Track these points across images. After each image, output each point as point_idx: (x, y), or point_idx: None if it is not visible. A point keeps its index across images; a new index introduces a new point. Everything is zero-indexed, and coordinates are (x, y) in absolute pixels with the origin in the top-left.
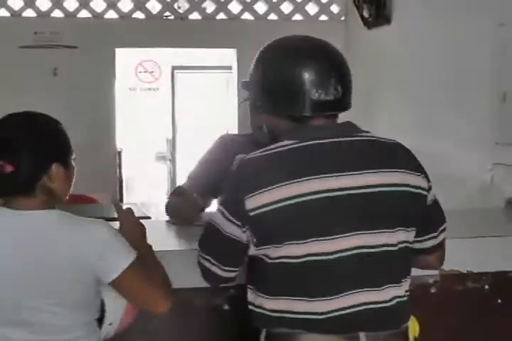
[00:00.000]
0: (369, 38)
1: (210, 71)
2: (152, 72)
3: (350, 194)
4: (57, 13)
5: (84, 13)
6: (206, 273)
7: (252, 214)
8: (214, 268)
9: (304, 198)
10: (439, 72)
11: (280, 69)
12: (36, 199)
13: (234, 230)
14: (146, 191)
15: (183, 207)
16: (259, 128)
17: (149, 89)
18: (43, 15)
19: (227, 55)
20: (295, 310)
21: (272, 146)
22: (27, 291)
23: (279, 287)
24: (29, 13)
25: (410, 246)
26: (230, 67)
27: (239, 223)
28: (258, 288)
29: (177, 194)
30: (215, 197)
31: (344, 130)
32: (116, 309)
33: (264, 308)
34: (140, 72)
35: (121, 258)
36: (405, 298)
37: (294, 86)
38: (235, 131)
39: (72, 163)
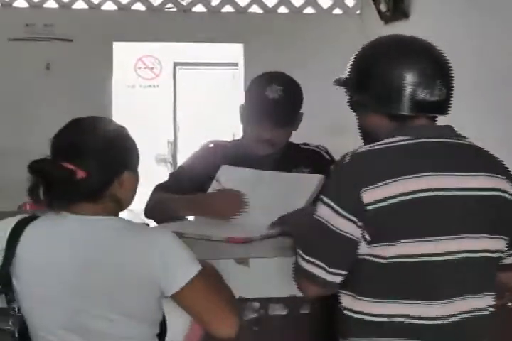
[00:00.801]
0: (386, 33)
1: (215, 68)
2: (152, 68)
3: (463, 195)
4: (50, 4)
5: (80, 4)
6: (307, 279)
7: (369, 208)
8: (319, 272)
9: (424, 194)
10: (462, 71)
11: (387, 67)
12: (102, 206)
13: (347, 226)
14: (145, 196)
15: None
16: (264, 141)
17: (149, 86)
18: (36, 6)
19: (234, 51)
20: (406, 313)
21: (384, 141)
22: (85, 298)
23: (389, 289)
24: (20, 3)
25: (502, 255)
26: (236, 64)
27: (354, 218)
28: (359, 291)
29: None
30: None
31: (447, 132)
32: (179, 327)
33: (367, 313)
34: (139, 68)
35: (186, 269)
36: (494, 308)
37: (400, 84)
38: (240, 133)
39: (138, 172)
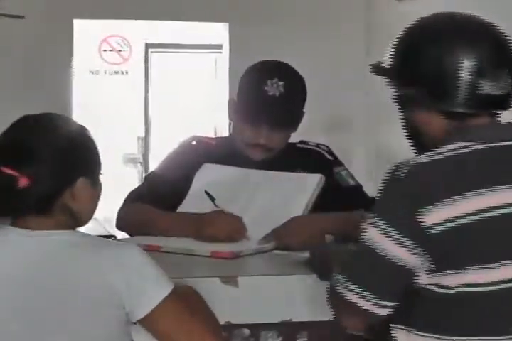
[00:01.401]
0: (397, 13)
1: (195, 51)
2: (120, 50)
3: None
4: None
5: None
6: (349, 310)
7: (431, 232)
8: (363, 303)
9: (498, 211)
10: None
11: (442, 53)
12: (52, 219)
13: (401, 253)
14: (111, 201)
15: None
16: (258, 145)
17: (116, 72)
18: None
19: (217, 31)
20: None
21: (443, 149)
22: (38, 327)
23: (458, 323)
24: None
25: None
26: (220, 46)
27: (410, 244)
28: (418, 326)
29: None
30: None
31: None
32: None
33: None
34: (105, 50)
35: (156, 290)
36: None
37: (460, 75)
38: (226, 129)
39: (100, 179)
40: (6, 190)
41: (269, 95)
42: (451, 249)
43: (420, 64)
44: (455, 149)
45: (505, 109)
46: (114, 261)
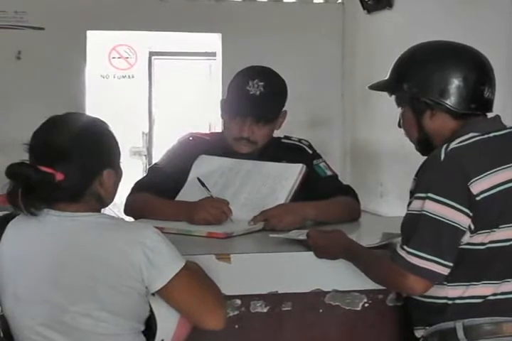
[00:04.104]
0: (368, 23)
1: (192, 58)
2: (127, 57)
3: None
4: None
5: None
6: (419, 276)
7: (478, 198)
8: (436, 267)
9: None
10: None
11: (455, 70)
12: (83, 203)
13: (461, 218)
14: (119, 190)
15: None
16: (243, 138)
17: (124, 76)
18: None
19: (211, 40)
20: (500, 291)
21: (463, 138)
22: (71, 294)
23: (483, 273)
24: None
25: None
26: (213, 54)
27: (466, 210)
28: (453, 278)
29: (145, 192)
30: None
31: (503, 124)
32: (168, 324)
33: (463, 297)
34: (114, 57)
35: (171, 264)
36: None
37: (474, 85)
38: (218, 125)
39: (120, 167)
40: (45, 184)
41: (251, 94)
42: (488, 211)
43: (440, 79)
44: (471, 138)
45: (492, 110)
46: (135, 239)
